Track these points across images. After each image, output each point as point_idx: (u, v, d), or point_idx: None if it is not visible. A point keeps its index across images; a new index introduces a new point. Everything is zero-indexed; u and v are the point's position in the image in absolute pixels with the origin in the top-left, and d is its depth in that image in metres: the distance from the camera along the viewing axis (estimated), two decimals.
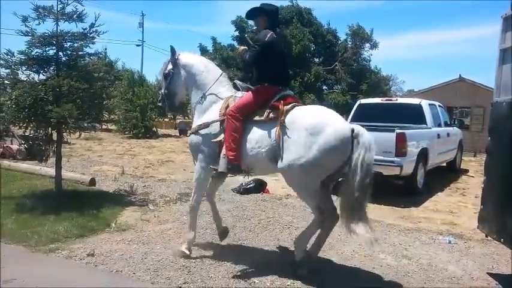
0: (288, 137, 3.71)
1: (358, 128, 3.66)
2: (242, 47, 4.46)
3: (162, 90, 4.73)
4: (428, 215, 6.61)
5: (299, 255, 3.90)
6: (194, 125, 4.37)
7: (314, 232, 3.93)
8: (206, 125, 4.19)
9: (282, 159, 3.73)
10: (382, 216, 6.31)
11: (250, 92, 4.12)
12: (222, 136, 4.05)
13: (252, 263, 4.13)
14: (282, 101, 3.91)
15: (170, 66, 4.60)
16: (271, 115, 3.89)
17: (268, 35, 3.99)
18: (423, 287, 3.82)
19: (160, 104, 4.89)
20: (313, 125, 3.63)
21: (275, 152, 3.80)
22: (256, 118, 3.97)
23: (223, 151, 3.98)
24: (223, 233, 4.70)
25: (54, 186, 6.62)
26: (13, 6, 6.22)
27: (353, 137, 3.59)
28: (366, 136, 3.60)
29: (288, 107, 3.86)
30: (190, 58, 4.61)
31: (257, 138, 3.91)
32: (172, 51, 4.57)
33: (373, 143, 3.60)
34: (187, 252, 4.26)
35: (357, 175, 3.51)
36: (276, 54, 4.05)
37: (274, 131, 3.81)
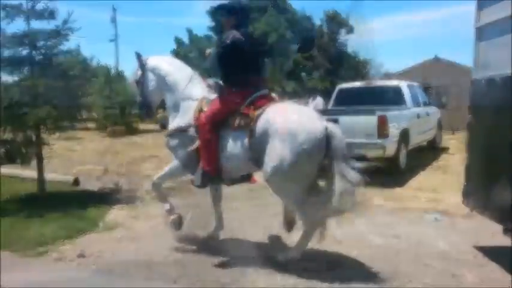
0: (261, 145, 3.62)
1: (331, 127, 3.55)
2: (209, 50, 4.34)
3: (137, 98, 4.65)
4: (413, 193, 6.74)
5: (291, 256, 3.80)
6: (170, 126, 4.27)
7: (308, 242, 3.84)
8: (182, 129, 4.09)
9: (262, 170, 3.67)
10: (367, 197, 6.39)
11: (219, 99, 3.96)
12: (197, 143, 3.95)
13: (245, 254, 4.13)
14: (252, 106, 3.78)
15: (140, 72, 4.50)
16: (241, 122, 3.76)
17: (231, 36, 3.84)
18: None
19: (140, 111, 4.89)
20: (284, 129, 3.50)
21: (251, 158, 3.76)
22: (228, 125, 3.84)
23: (201, 164, 3.89)
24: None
25: (37, 188, 6.50)
26: None
27: (327, 135, 3.49)
28: (339, 139, 3.51)
29: (259, 111, 3.73)
30: (158, 60, 4.50)
31: (230, 146, 3.82)
32: (138, 56, 4.47)
33: (344, 145, 3.53)
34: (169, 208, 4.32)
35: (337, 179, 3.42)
36: (242, 56, 3.84)
37: (247, 139, 3.71)
